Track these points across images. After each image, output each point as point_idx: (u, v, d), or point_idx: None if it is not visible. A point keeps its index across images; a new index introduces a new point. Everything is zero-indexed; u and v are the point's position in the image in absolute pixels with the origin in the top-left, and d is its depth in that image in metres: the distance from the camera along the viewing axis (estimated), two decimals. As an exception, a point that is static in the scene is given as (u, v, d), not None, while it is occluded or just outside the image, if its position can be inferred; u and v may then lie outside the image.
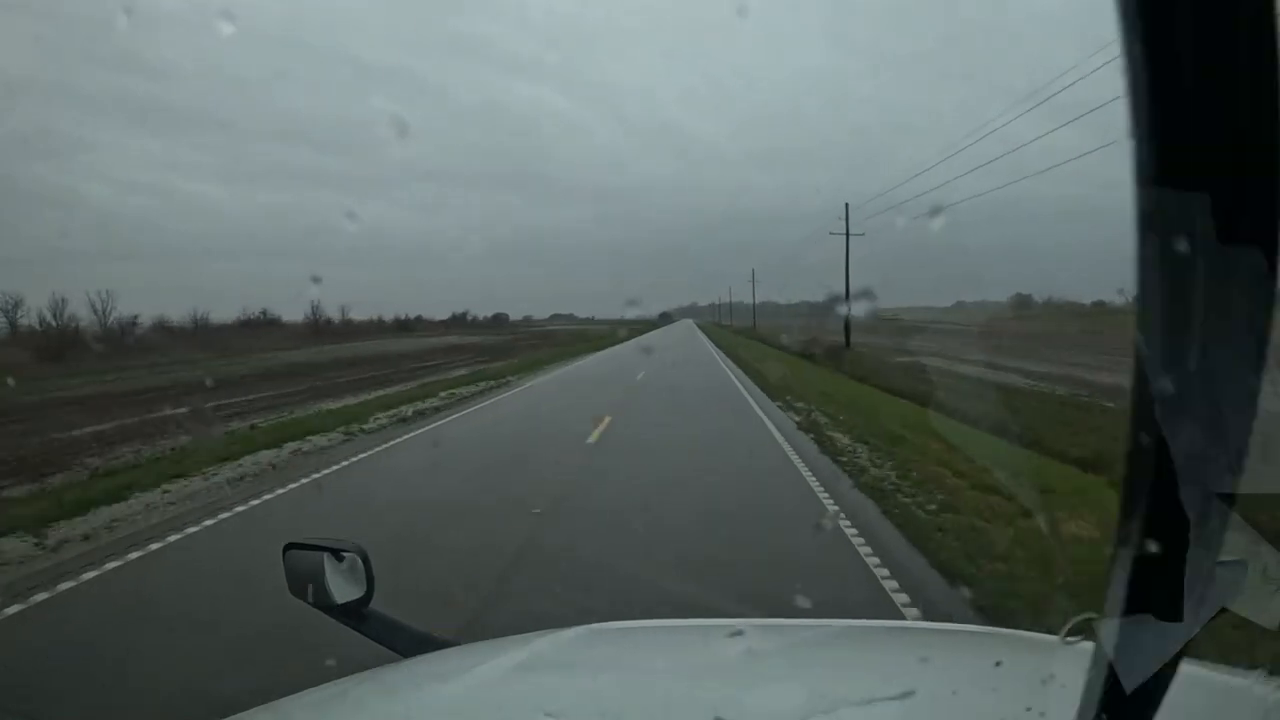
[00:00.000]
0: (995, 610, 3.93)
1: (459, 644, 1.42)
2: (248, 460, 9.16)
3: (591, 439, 10.01)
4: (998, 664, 1.24)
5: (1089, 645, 1.28)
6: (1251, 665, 1.09)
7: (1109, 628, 0.64)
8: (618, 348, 36.52)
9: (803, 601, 3.52)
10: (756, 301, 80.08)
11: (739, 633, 1.45)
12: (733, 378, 20.16)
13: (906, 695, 1.10)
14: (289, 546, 1.41)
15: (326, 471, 8.54)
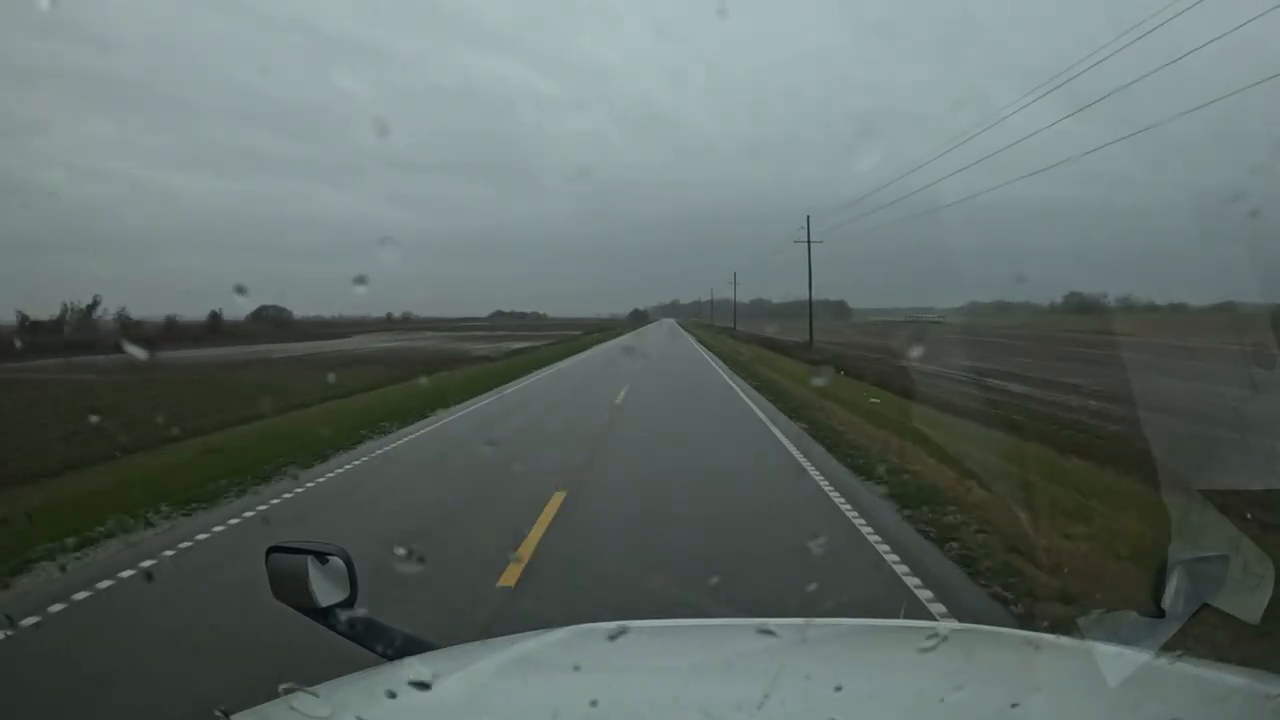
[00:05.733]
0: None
1: (444, 646, 1.41)
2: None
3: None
4: (987, 660, 1.24)
5: (1076, 641, 1.29)
6: (1233, 659, 1.11)
7: (1094, 624, 0.65)
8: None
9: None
10: (746, 300, 77.22)
11: (727, 633, 1.44)
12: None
13: (896, 693, 1.11)
14: (272, 550, 1.39)
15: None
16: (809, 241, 36.47)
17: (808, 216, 36.18)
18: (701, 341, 48.55)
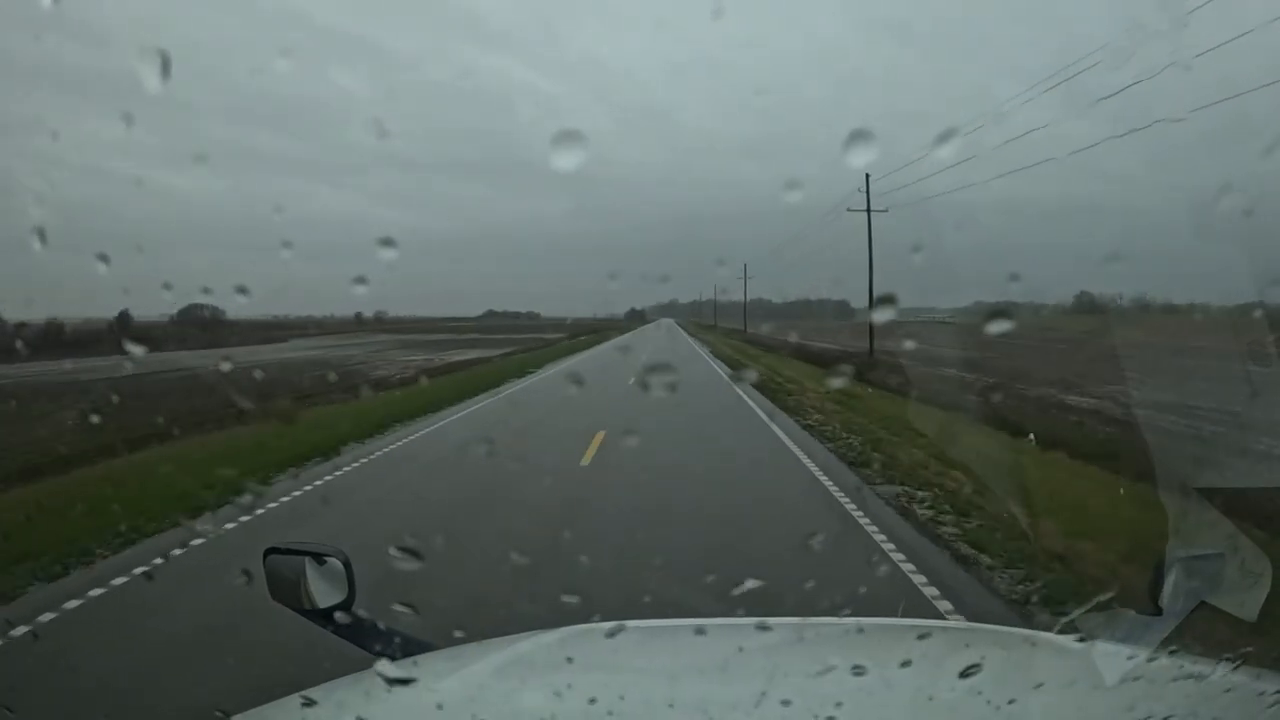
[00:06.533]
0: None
1: (442, 647, 1.41)
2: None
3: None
4: (984, 658, 1.25)
5: (1074, 639, 1.29)
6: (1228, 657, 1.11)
7: (1092, 622, 0.65)
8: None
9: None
10: (747, 300, 67.53)
11: (724, 632, 1.44)
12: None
13: (894, 691, 1.11)
14: (269, 551, 1.39)
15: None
16: (869, 211, 25.70)
17: (866, 175, 25.57)
18: (716, 353, 34.58)
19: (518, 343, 45.65)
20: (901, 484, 8.11)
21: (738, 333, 63.46)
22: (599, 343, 45.66)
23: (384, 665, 1.32)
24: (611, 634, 1.34)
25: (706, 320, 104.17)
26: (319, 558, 1.36)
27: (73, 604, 5.24)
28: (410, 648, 1.37)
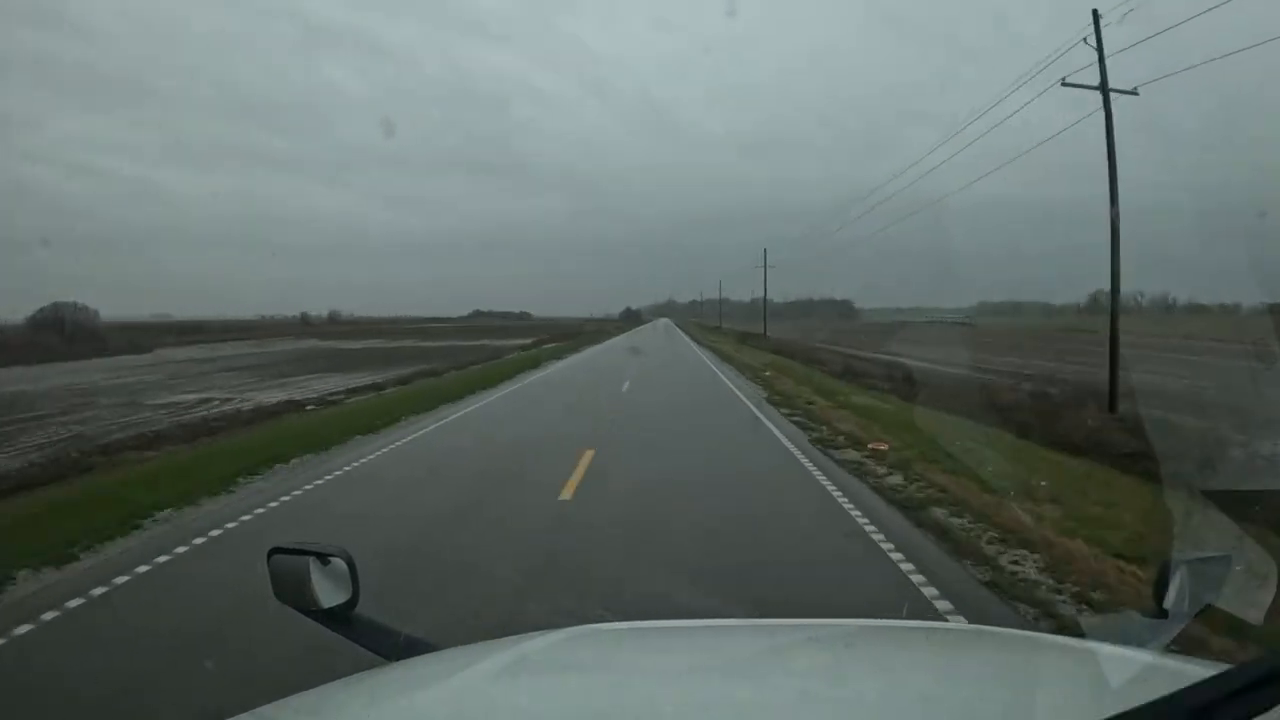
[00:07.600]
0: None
1: (446, 647, 1.41)
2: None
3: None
4: (989, 661, 1.24)
5: (1079, 641, 1.29)
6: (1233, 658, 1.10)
7: (1097, 624, 0.64)
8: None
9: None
10: (747, 299, 63.58)
11: (728, 634, 1.44)
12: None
13: (898, 694, 1.10)
14: (274, 551, 1.39)
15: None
16: (1109, 89, 12.56)
17: (1094, 12, 12.40)
18: (767, 387, 17.77)
19: (448, 356, 30.89)
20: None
21: (755, 337, 47.94)
22: (568, 353, 34.14)
23: (388, 665, 1.32)
24: (615, 635, 1.34)
25: (707, 320, 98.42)
26: (323, 557, 1.36)
27: None
28: (414, 648, 1.37)
